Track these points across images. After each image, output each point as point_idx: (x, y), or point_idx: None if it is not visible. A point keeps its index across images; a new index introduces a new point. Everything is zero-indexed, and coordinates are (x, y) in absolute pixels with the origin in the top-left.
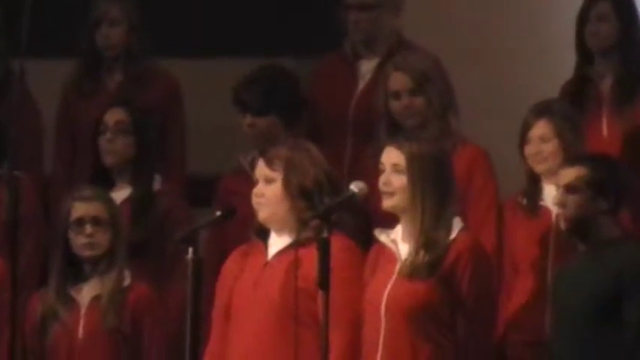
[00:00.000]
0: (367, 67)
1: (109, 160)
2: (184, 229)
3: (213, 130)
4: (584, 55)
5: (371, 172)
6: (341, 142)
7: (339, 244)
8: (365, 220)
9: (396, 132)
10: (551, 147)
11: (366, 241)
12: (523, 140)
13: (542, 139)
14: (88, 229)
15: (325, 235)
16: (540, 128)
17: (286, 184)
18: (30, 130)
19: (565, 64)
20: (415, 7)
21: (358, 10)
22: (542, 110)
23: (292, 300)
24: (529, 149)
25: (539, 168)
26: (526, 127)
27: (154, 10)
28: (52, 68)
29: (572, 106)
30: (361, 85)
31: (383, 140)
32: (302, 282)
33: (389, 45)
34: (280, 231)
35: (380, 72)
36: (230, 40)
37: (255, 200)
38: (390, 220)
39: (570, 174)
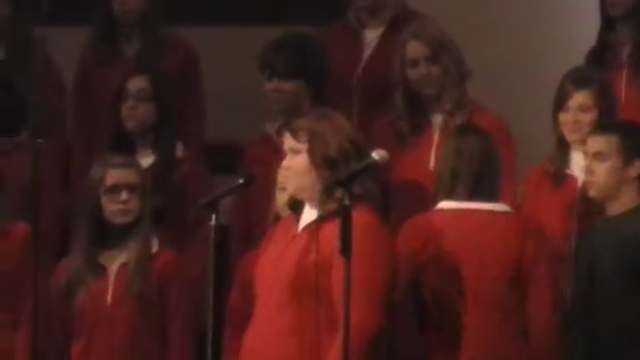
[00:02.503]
0: (372, 36)
1: (130, 125)
2: (206, 196)
3: (232, 98)
4: (606, 21)
5: (380, 139)
6: (347, 110)
7: (364, 221)
8: (383, 190)
9: (412, 100)
10: (589, 117)
11: (384, 210)
12: (559, 107)
13: (582, 109)
14: (124, 195)
15: (347, 202)
16: (581, 98)
17: (311, 154)
18: (52, 97)
19: (585, 29)
20: None
21: None
22: (582, 80)
23: (307, 273)
24: (566, 117)
25: (572, 137)
26: (565, 96)
27: None
28: (73, 35)
29: (607, 75)
30: (366, 53)
31: (400, 108)
32: (318, 257)
33: (393, 13)
34: (311, 202)
35: (385, 40)
36: (247, 8)
37: (282, 174)
38: (410, 196)
39: (600, 141)
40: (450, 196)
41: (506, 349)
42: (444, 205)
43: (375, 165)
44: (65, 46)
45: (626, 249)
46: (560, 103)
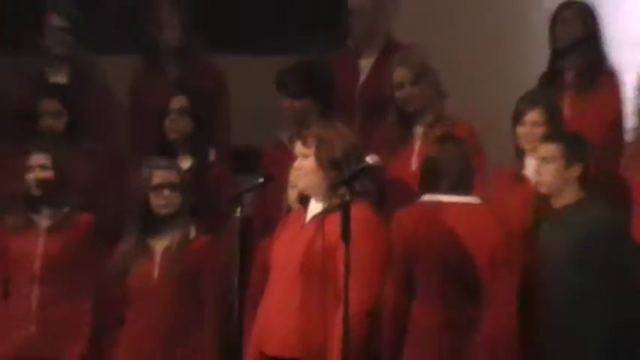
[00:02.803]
0: (366, 63)
1: (172, 136)
2: (233, 192)
3: (252, 112)
4: (555, 52)
5: (379, 145)
6: (350, 121)
7: (364, 212)
8: (380, 187)
9: (400, 115)
10: (541, 130)
11: (379, 204)
12: (516, 122)
13: (534, 124)
14: (166, 192)
15: (348, 198)
16: (534, 115)
17: (318, 157)
18: (105, 112)
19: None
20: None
21: (356, 16)
22: (535, 100)
23: (314, 257)
24: (522, 130)
25: (527, 146)
26: (521, 113)
27: (204, 13)
28: (120, 63)
29: (555, 95)
30: (363, 76)
31: (392, 120)
32: (324, 243)
33: (383, 44)
34: (317, 197)
35: (377, 66)
36: (264, 39)
37: (294, 174)
38: (398, 191)
39: (548, 149)
40: (433, 190)
41: (481, 335)
42: (427, 197)
43: (369, 167)
44: (115, 72)
45: (568, 234)
46: (517, 118)
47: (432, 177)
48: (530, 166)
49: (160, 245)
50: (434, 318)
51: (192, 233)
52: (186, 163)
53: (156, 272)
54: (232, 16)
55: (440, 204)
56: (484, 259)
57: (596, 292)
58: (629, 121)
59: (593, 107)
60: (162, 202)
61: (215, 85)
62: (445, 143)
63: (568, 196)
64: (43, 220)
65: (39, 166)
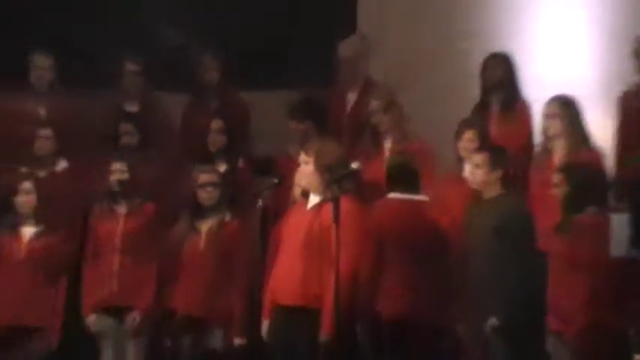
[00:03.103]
0: (351, 97)
1: (212, 149)
2: (255, 189)
3: (269, 132)
4: (484, 89)
5: (361, 156)
6: (339, 138)
7: (349, 203)
8: (360, 186)
9: (375, 134)
10: (474, 145)
11: (360, 198)
12: (457, 139)
13: (470, 141)
14: (209, 189)
15: (337, 193)
16: (469, 134)
17: (316, 164)
18: (165, 132)
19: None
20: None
21: (345, 63)
22: (470, 123)
23: (313, 235)
24: (461, 145)
25: (465, 156)
26: (460, 133)
27: (235, 61)
28: (173, 97)
29: (484, 120)
30: (348, 107)
31: (369, 138)
32: (321, 225)
33: (363, 82)
34: (315, 192)
35: (359, 99)
36: (278, 80)
37: (298, 176)
38: (373, 189)
39: (479, 157)
40: (395, 190)
41: (429, 290)
42: (392, 195)
43: (353, 171)
44: (169, 102)
45: (492, 216)
46: (458, 136)
47: (393, 180)
48: (467, 170)
49: (204, 226)
50: (396, 277)
51: (227, 218)
52: (222, 168)
53: (201, 245)
54: (254, 64)
55: (400, 200)
56: (427, 238)
57: (510, 255)
58: (537, 139)
59: (511, 129)
60: (205, 196)
61: (241, 113)
62: (401, 156)
63: (492, 191)
64: (122, 208)
65: (118, 171)
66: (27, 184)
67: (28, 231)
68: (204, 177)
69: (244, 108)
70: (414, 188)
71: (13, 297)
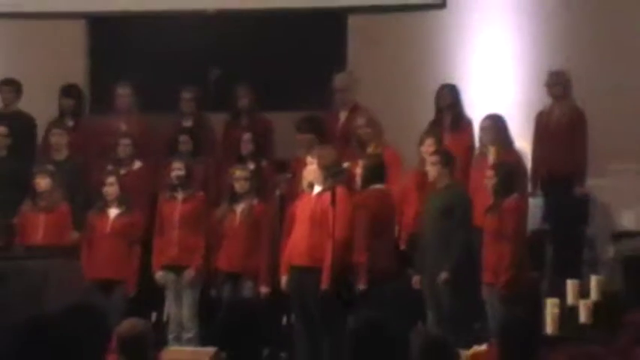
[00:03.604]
0: (342, 115)
1: (244, 152)
2: (274, 182)
3: (288, 142)
4: (437, 108)
5: (348, 158)
6: (334, 145)
7: (342, 191)
8: (350, 179)
9: (360, 143)
10: (432, 149)
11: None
12: (421, 144)
13: (429, 146)
14: (241, 181)
15: (334, 185)
16: (429, 141)
17: (319, 164)
18: (211, 141)
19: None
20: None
21: (338, 92)
22: (429, 133)
23: (318, 214)
24: (423, 149)
25: (425, 156)
26: (423, 139)
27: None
28: (217, 116)
29: (439, 131)
30: (340, 122)
31: (355, 145)
32: (322, 206)
33: (351, 106)
34: (318, 184)
35: (349, 118)
36: (289, 104)
37: (306, 172)
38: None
39: (434, 158)
40: (371, 183)
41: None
42: (371, 186)
43: (344, 169)
44: (214, 120)
45: (442, 200)
46: (421, 142)
47: (367, 176)
48: (428, 167)
49: (239, 208)
50: (382, 244)
51: (255, 202)
52: (251, 166)
53: (237, 221)
54: (272, 91)
55: (376, 189)
56: (391, 214)
57: (454, 229)
58: (476, 146)
59: (458, 138)
60: (239, 186)
61: (265, 128)
62: (372, 158)
63: (443, 182)
64: (179, 196)
65: (177, 169)
66: (111, 178)
67: (112, 212)
68: (238, 173)
69: (268, 124)
70: (382, 181)
71: (103, 259)
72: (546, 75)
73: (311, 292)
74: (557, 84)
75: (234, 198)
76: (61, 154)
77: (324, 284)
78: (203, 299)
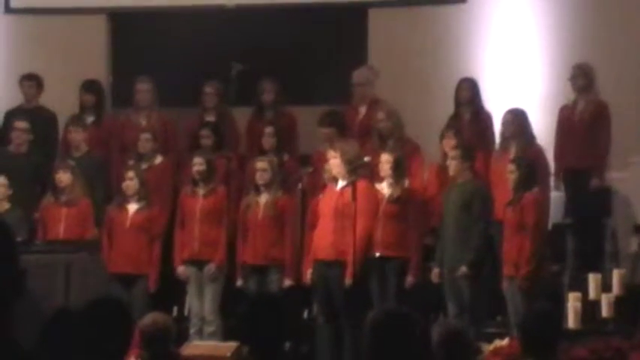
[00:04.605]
0: (362, 110)
1: (266, 147)
2: (297, 175)
3: (309, 136)
4: (457, 102)
5: (369, 152)
6: (354, 139)
7: (363, 184)
8: (371, 174)
9: (382, 139)
10: (453, 143)
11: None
12: (442, 138)
13: (450, 139)
14: (262, 173)
15: (356, 179)
16: (451, 133)
17: (341, 157)
18: (234, 135)
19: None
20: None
21: (357, 86)
22: (450, 127)
23: (340, 206)
24: (444, 142)
25: (446, 150)
26: (444, 134)
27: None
28: (240, 110)
29: (459, 126)
30: (360, 117)
31: (375, 139)
32: (345, 200)
33: (370, 99)
34: (341, 178)
35: (368, 112)
36: (311, 99)
37: (329, 166)
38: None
39: (455, 153)
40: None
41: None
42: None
43: (365, 163)
44: (237, 114)
45: (463, 194)
46: (442, 136)
47: (390, 170)
48: (449, 161)
49: (262, 200)
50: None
51: (279, 195)
52: (273, 159)
53: (260, 214)
54: (295, 87)
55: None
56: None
57: (473, 220)
58: (497, 139)
59: (478, 131)
60: (259, 176)
61: (290, 122)
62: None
63: (464, 177)
64: (201, 191)
65: (198, 164)
66: (131, 173)
67: (132, 207)
68: (259, 164)
69: (292, 118)
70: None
71: (123, 254)
72: (570, 70)
73: (335, 285)
74: (581, 76)
75: (258, 190)
76: (80, 151)
77: (348, 278)
78: (225, 293)
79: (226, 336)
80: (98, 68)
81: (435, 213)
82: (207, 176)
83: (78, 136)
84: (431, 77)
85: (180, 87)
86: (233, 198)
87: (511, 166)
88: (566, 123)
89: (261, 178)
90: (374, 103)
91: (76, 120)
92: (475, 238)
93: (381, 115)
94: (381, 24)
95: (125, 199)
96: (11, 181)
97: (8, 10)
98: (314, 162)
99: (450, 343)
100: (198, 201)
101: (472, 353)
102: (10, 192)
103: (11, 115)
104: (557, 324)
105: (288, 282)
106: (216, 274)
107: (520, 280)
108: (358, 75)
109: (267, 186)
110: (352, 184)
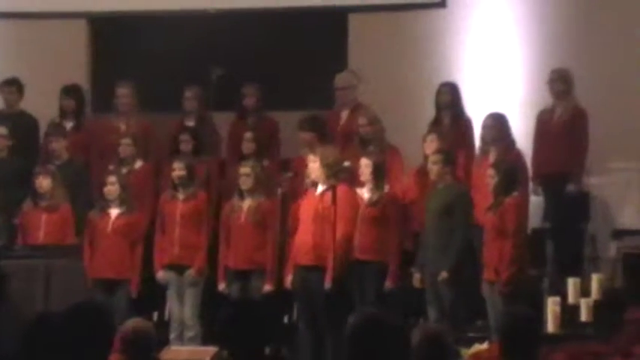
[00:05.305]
0: (344, 115)
1: (246, 152)
2: (277, 180)
3: (291, 141)
4: (437, 106)
5: (349, 156)
6: (335, 144)
7: (343, 189)
8: (351, 178)
9: (363, 144)
10: (434, 146)
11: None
12: (424, 141)
13: (431, 141)
14: (244, 178)
15: (335, 183)
16: (432, 137)
17: (321, 162)
18: (215, 141)
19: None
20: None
21: (340, 90)
22: (431, 131)
23: (320, 210)
24: (426, 146)
25: (427, 153)
26: (425, 137)
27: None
28: (221, 115)
29: (440, 130)
30: (342, 122)
31: (357, 143)
32: (324, 204)
33: (353, 104)
34: (321, 182)
35: (350, 116)
36: (292, 103)
37: (309, 171)
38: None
39: (435, 157)
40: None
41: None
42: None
43: (346, 168)
44: (217, 119)
45: (444, 198)
46: (424, 140)
47: (370, 175)
48: (429, 165)
49: (245, 204)
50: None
51: (262, 199)
52: (254, 164)
53: (243, 218)
54: (275, 91)
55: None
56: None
57: (453, 225)
58: (476, 145)
59: (457, 136)
60: (242, 182)
61: (271, 127)
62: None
63: (445, 181)
64: (181, 195)
65: (178, 169)
66: (112, 178)
67: (113, 211)
68: (241, 169)
69: (273, 123)
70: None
71: (104, 259)
72: (548, 75)
73: (315, 290)
74: (559, 80)
75: (241, 194)
76: (61, 159)
77: (328, 282)
78: (207, 297)
79: (206, 341)
80: (78, 73)
81: (415, 217)
82: (188, 181)
83: (58, 145)
84: (411, 82)
85: (160, 91)
86: (213, 203)
87: (491, 171)
88: (545, 128)
89: (244, 183)
90: (356, 108)
91: (56, 128)
92: (456, 242)
93: (363, 120)
94: (360, 29)
95: (107, 204)
96: None
97: None
98: (295, 167)
99: (429, 345)
100: (178, 206)
101: (451, 356)
102: None
103: None
104: (536, 328)
105: (267, 287)
106: (196, 279)
107: (500, 285)
108: (340, 79)
109: (251, 191)
110: (332, 188)
